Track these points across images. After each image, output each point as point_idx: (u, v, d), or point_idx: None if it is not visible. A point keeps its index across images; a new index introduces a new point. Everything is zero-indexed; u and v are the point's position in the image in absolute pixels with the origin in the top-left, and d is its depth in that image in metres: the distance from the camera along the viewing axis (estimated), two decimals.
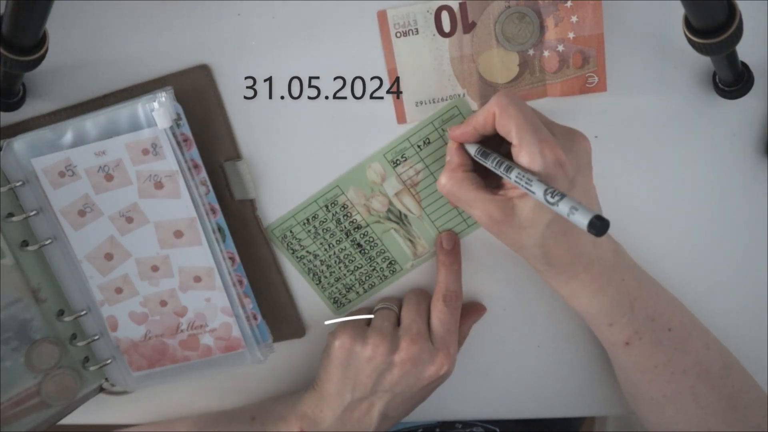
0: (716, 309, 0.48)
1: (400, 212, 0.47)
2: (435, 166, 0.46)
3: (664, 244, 0.47)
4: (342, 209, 0.47)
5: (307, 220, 0.47)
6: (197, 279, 0.46)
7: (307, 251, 0.49)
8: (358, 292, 0.50)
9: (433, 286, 0.48)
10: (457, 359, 0.46)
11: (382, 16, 0.42)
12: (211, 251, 0.45)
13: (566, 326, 0.50)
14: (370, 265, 0.49)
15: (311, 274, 0.49)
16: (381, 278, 0.50)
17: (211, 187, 0.45)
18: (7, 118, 0.45)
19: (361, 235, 0.48)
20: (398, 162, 0.46)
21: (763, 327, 0.49)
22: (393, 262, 0.49)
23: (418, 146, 0.45)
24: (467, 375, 0.52)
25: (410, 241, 0.48)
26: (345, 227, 0.48)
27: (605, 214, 0.44)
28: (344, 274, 0.50)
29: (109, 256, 0.46)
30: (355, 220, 0.48)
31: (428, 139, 0.45)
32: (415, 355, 0.44)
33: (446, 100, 0.44)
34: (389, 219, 0.47)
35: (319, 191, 0.47)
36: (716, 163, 0.45)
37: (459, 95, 0.44)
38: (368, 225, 0.48)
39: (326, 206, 0.47)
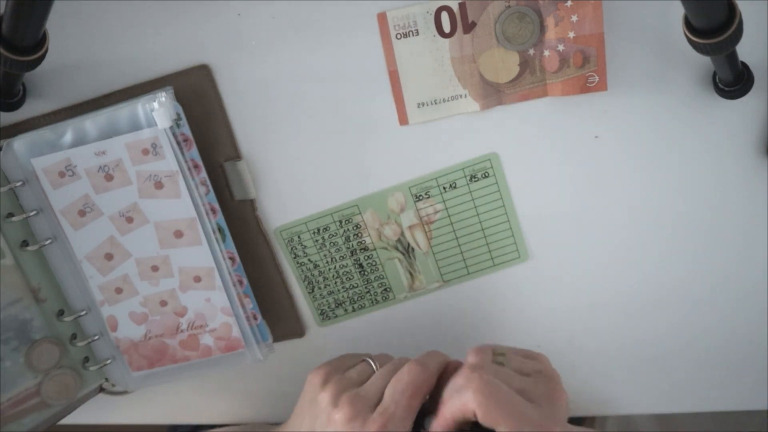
0: (716, 309, 0.48)
1: (408, 244, 0.48)
2: (453, 210, 0.47)
3: (664, 244, 0.47)
4: (354, 228, 0.47)
5: (318, 230, 0.48)
6: (197, 279, 0.46)
7: (309, 259, 0.49)
8: (346, 310, 0.50)
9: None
10: None
11: (381, 18, 0.42)
12: (211, 251, 0.45)
13: (566, 327, 0.50)
14: (366, 287, 0.49)
15: (306, 282, 0.49)
16: (372, 302, 0.50)
17: (211, 187, 0.45)
18: (7, 118, 0.45)
19: (365, 257, 0.48)
20: (421, 197, 0.46)
21: (764, 327, 0.49)
22: (388, 290, 0.49)
23: (444, 188, 0.46)
24: None
25: (410, 273, 0.48)
26: (352, 246, 0.48)
27: (604, 215, 0.44)
28: (338, 290, 0.50)
29: (109, 256, 0.46)
30: (364, 241, 0.48)
31: (455, 183, 0.46)
32: None
33: (448, 100, 0.44)
34: (396, 248, 0.48)
35: (337, 206, 0.47)
36: (716, 163, 0.45)
37: (461, 96, 0.44)
38: (375, 249, 0.48)
39: (340, 221, 0.47)
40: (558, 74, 0.43)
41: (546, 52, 0.42)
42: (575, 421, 0.81)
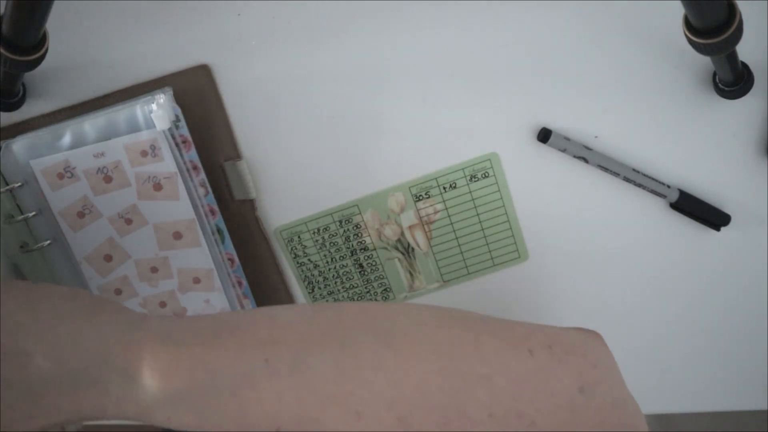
0: (716, 309, 0.48)
1: (408, 244, 0.48)
2: (454, 210, 0.47)
3: (663, 244, 0.47)
4: (355, 228, 0.47)
5: (318, 230, 0.47)
6: (196, 280, 0.46)
7: (309, 259, 0.49)
8: None
9: None
10: None
11: None
12: (210, 253, 0.45)
13: None
14: (366, 288, 0.49)
15: (306, 282, 0.49)
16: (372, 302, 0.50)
17: (209, 189, 0.45)
18: (7, 118, 0.45)
19: (366, 257, 0.48)
20: (421, 198, 0.46)
21: (764, 327, 0.49)
22: (388, 290, 0.49)
23: (444, 188, 0.46)
24: None
25: (410, 273, 0.48)
26: (352, 246, 0.48)
27: (603, 214, 0.44)
28: (338, 290, 0.50)
29: (108, 258, 0.45)
30: (364, 241, 0.48)
31: (455, 183, 0.46)
32: None
33: None
34: (396, 248, 0.48)
35: (337, 206, 0.47)
36: (716, 163, 0.45)
37: None
38: (375, 249, 0.48)
39: (340, 221, 0.47)
40: None
41: None
42: None
